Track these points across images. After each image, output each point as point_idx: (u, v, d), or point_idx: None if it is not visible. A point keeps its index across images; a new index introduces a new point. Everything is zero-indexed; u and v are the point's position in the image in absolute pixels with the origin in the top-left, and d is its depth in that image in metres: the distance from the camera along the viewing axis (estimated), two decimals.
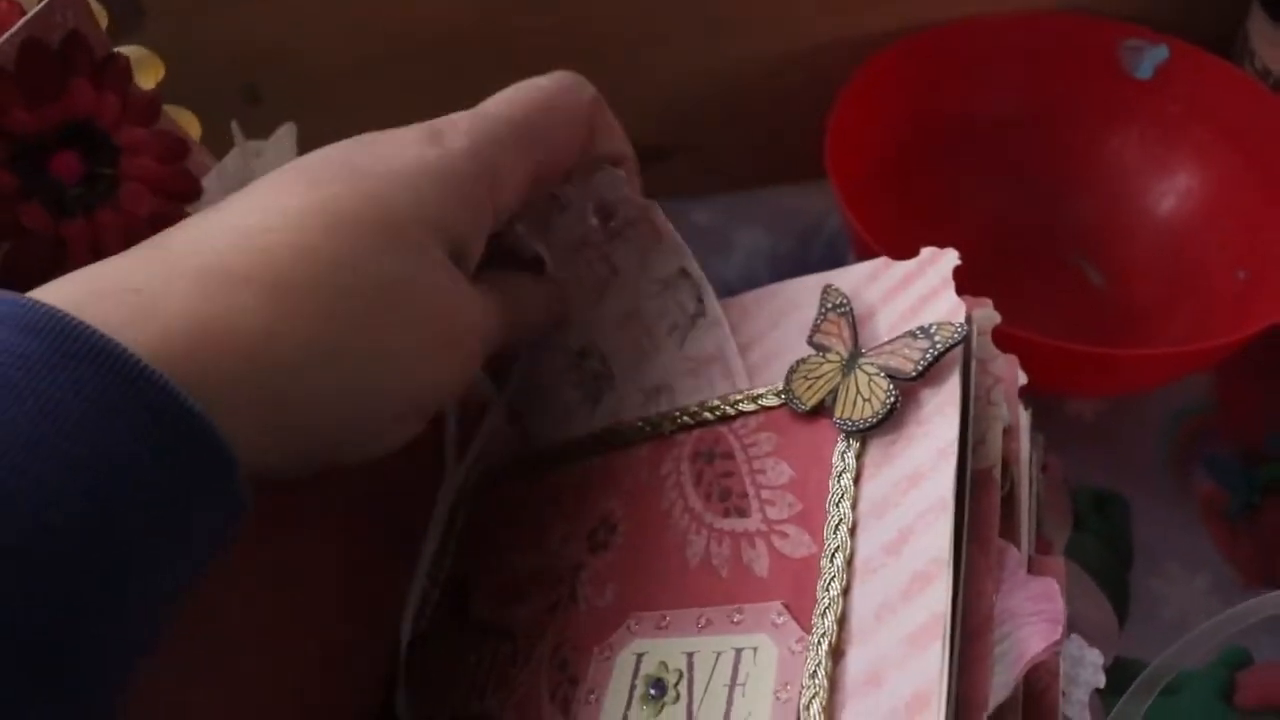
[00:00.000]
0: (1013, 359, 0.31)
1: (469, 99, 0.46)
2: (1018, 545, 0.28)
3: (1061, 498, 0.40)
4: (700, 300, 0.31)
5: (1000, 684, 0.24)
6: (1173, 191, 0.46)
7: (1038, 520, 0.34)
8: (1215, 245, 0.44)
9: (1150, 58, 0.46)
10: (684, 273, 0.32)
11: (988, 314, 0.29)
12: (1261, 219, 0.43)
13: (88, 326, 0.20)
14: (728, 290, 0.43)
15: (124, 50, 0.30)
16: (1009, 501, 0.29)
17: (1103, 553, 0.40)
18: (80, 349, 0.19)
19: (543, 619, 0.29)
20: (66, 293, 0.21)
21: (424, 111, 0.48)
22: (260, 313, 0.22)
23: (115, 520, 0.19)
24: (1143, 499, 0.42)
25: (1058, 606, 0.24)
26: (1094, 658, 0.31)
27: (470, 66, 0.46)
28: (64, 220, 0.28)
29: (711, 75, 0.48)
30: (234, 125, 0.33)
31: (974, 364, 0.28)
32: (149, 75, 0.33)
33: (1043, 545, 0.33)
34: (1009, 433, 0.30)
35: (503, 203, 0.28)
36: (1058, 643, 0.24)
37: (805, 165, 0.44)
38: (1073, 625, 0.32)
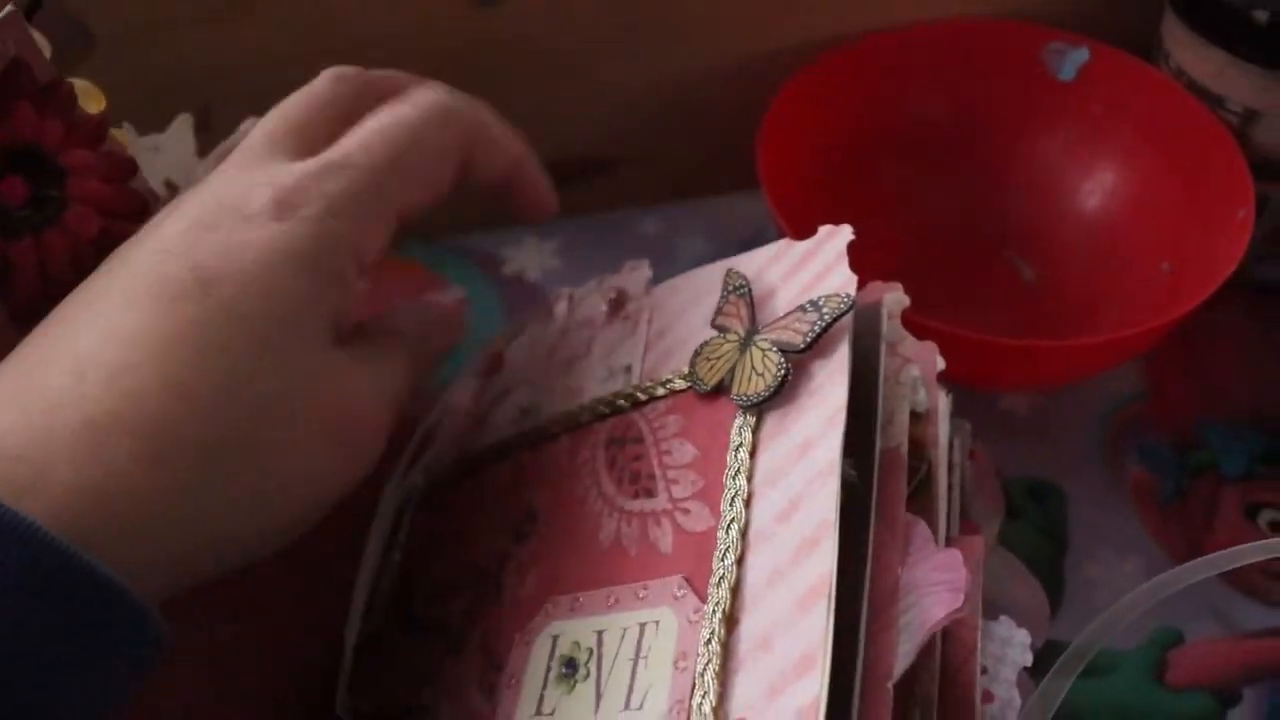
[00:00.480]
0: (931, 345, 0.32)
1: None
2: (933, 523, 0.29)
3: (991, 485, 0.41)
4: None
5: (904, 653, 0.25)
6: (1098, 189, 0.48)
7: (963, 505, 0.35)
8: (1141, 239, 0.46)
9: (1072, 60, 0.47)
10: (628, 369, 0.32)
11: (897, 298, 0.30)
12: (1183, 213, 0.44)
13: None
14: None
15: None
16: (926, 482, 0.31)
17: (1037, 540, 0.42)
18: None
19: (472, 610, 0.30)
20: None
21: None
22: (142, 463, 0.22)
23: (34, 684, 0.20)
24: (1077, 488, 0.43)
25: (960, 575, 0.25)
26: (1022, 637, 0.32)
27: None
28: (10, 242, 0.29)
29: (653, 87, 0.49)
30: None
31: (883, 345, 0.29)
32: (91, 106, 0.34)
33: (969, 528, 0.34)
34: (927, 417, 0.31)
35: (368, 256, 0.27)
36: (959, 609, 0.25)
37: (745, 174, 0.45)
38: (1004, 608, 0.33)
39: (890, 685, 0.24)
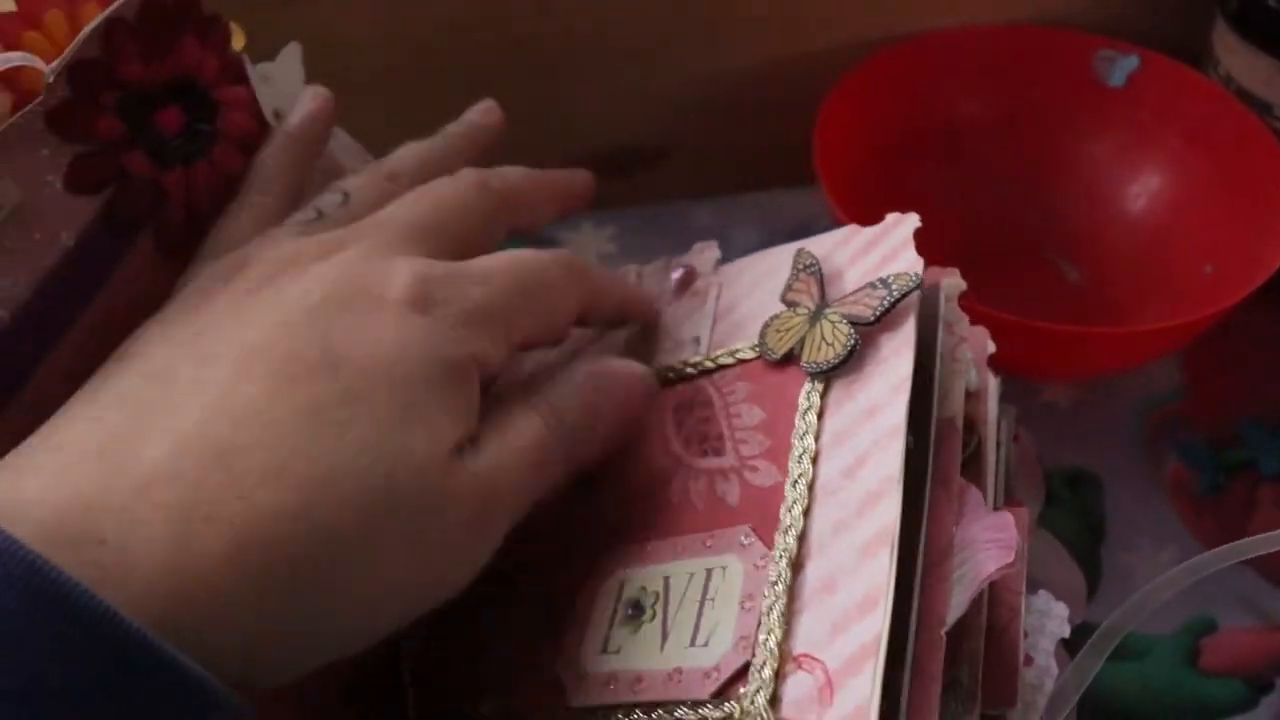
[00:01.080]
0: (983, 330, 0.34)
1: (476, 100, 0.49)
2: (983, 491, 0.31)
3: (1033, 469, 0.42)
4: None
5: (957, 604, 0.26)
6: (1144, 192, 0.49)
7: (1007, 483, 0.36)
8: (1184, 242, 0.47)
9: (1122, 67, 0.49)
10: (697, 340, 0.33)
11: (954, 282, 0.32)
12: (1227, 216, 0.46)
13: (67, 585, 0.18)
14: None
15: None
16: (976, 456, 0.32)
17: (1076, 527, 0.43)
18: (62, 612, 0.18)
19: (541, 563, 0.32)
20: (33, 524, 0.19)
21: (438, 116, 0.51)
22: (238, 558, 0.20)
23: None
24: (1115, 479, 0.44)
25: (1011, 535, 0.27)
26: (1060, 610, 0.34)
27: (479, 73, 0.49)
28: (164, 171, 0.29)
29: (709, 81, 0.51)
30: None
31: (940, 325, 0.30)
32: (235, 41, 0.35)
33: (1014, 504, 0.35)
34: (977, 395, 0.33)
35: (488, 371, 0.26)
36: (1011, 564, 0.26)
37: (795, 169, 0.46)
38: (1043, 585, 0.35)
39: (944, 632, 0.25)
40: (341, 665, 0.24)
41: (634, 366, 0.30)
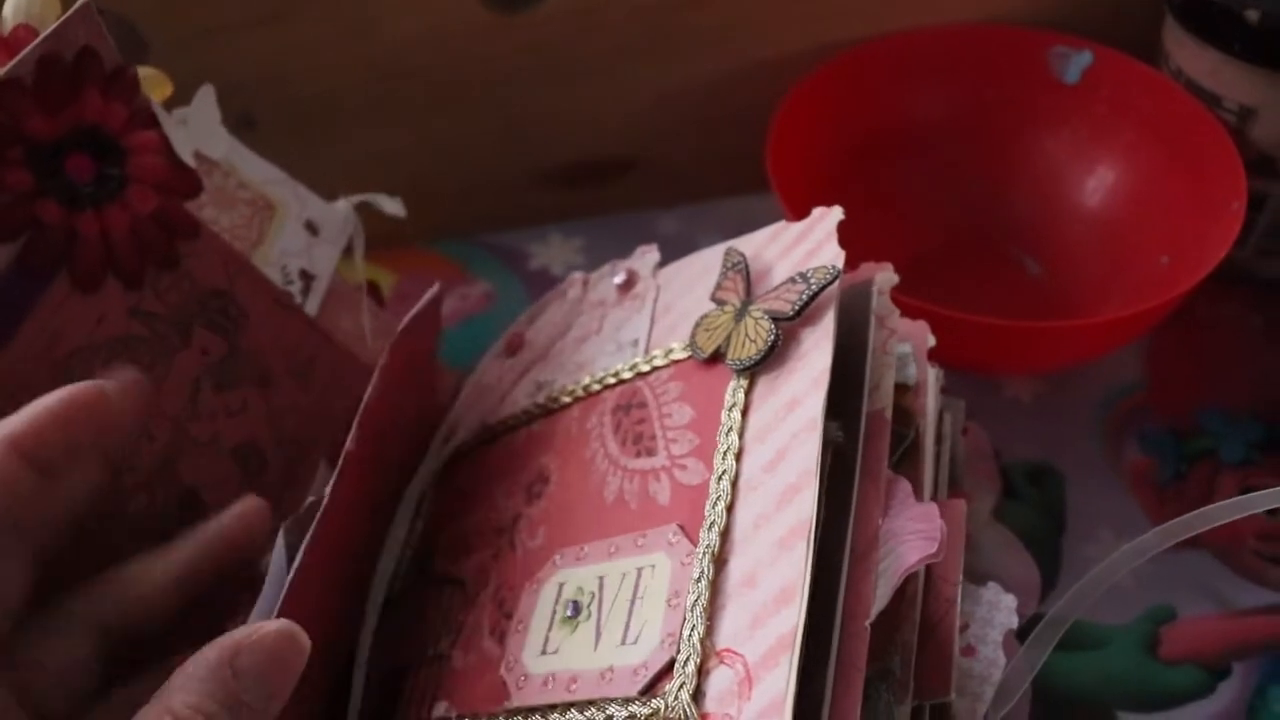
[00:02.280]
0: (923, 324, 0.34)
1: (452, 119, 0.50)
2: (918, 484, 0.31)
3: (987, 462, 0.43)
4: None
5: (881, 595, 0.27)
6: (1101, 186, 0.49)
7: (954, 476, 0.37)
8: (1141, 233, 0.47)
9: (1076, 63, 0.49)
10: (635, 343, 0.34)
11: (886, 276, 0.32)
12: (1182, 207, 0.46)
13: None
14: None
15: (140, 70, 0.34)
16: (914, 448, 0.33)
17: (1036, 520, 0.43)
18: None
19: (487, 566, 0.33)
20: None
21: (409, 130, 0.52)
22: None
23: None
24: (1077, 472, 0.45)
25: (935, 526, 0.27)
26: (1009, 602, 0.34)
27: (453, 89, 0.50)
28: (76, 215, 0.31)
29: (672, 92, 0.52)
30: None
31: (872, 318, 0.31)
32: (159, 92, 0.37)
33: (958, 496, 0.36)
34: (916, 388, 0.33)
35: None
36: (934, 555, 0.27)
37: (762, 175, 0.47)
38: (995, 577, 0.35)
39: (868, 624, 0.26)
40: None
41: (276, 627, 0.24)
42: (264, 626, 0.24)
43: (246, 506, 0.30)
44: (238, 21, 0.46)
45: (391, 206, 0.42)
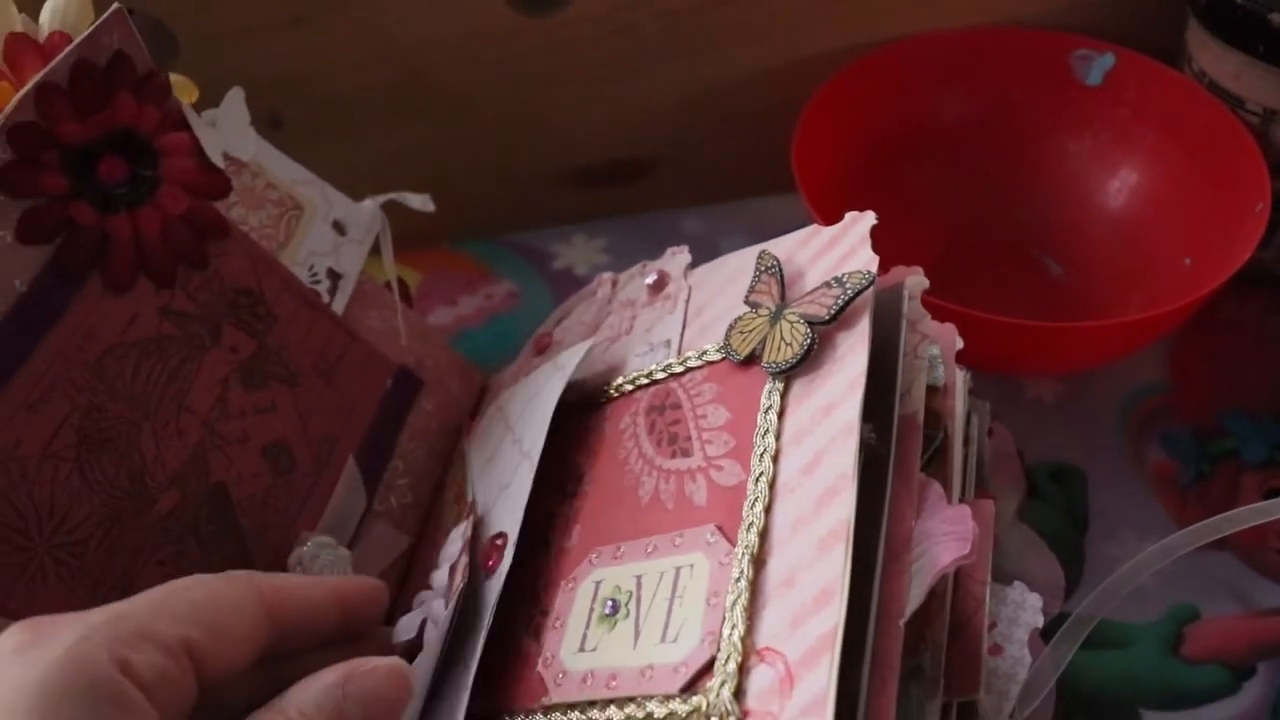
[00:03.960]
0: (951, 327, 0.34)
1: (477, 119, 0.51)
2: (947, 485, 0.31)
3: (1011, 463, 0.43)
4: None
5: (915, 595, 0.27)
6: (1124, 188, 0.50)
7: (981, 477, 0.37)
8: (1164, 235, 0.47)
9: (1099, 66, 0.49)
10: (668, 344, 0.35)
11: (917, 280, 0.33)
12: (1205, 209, 0.46)
13: None
14: None
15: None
16: (942, 450, 0.33)
17: (1059, 519, 0.43)
18: None
19: (524, 563, 0.33)
20: None
21: (434, 130, 0.52)
22: None
23: None
24: (1099, 472, 0.45)
25: (968, 527, 0.27)
26: (1034, 601, 0.34)
27: (478, 89, 0.50)
28: (109, 216, 0.32)
29: (694, 93, 0.52)
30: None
31: (903, 322, 0.31)
32: (185, 96, 0.37)
33: (985, 497, 0.36)
34: (944, 391, 0.34)
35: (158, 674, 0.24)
36: (967, 556, 0.27)
37: (784, 176, 0.47)
38: (1020, 577, 0.35)
39: (902, 623, 0.26)
40: None
41: (388, 664, 0.26)
42: (380, 661, 0.26)
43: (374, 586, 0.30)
44: (266, 23, 0.47)
45: (420, 203, 0.42)
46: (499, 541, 0.32)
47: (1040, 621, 0.33)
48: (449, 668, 0.31)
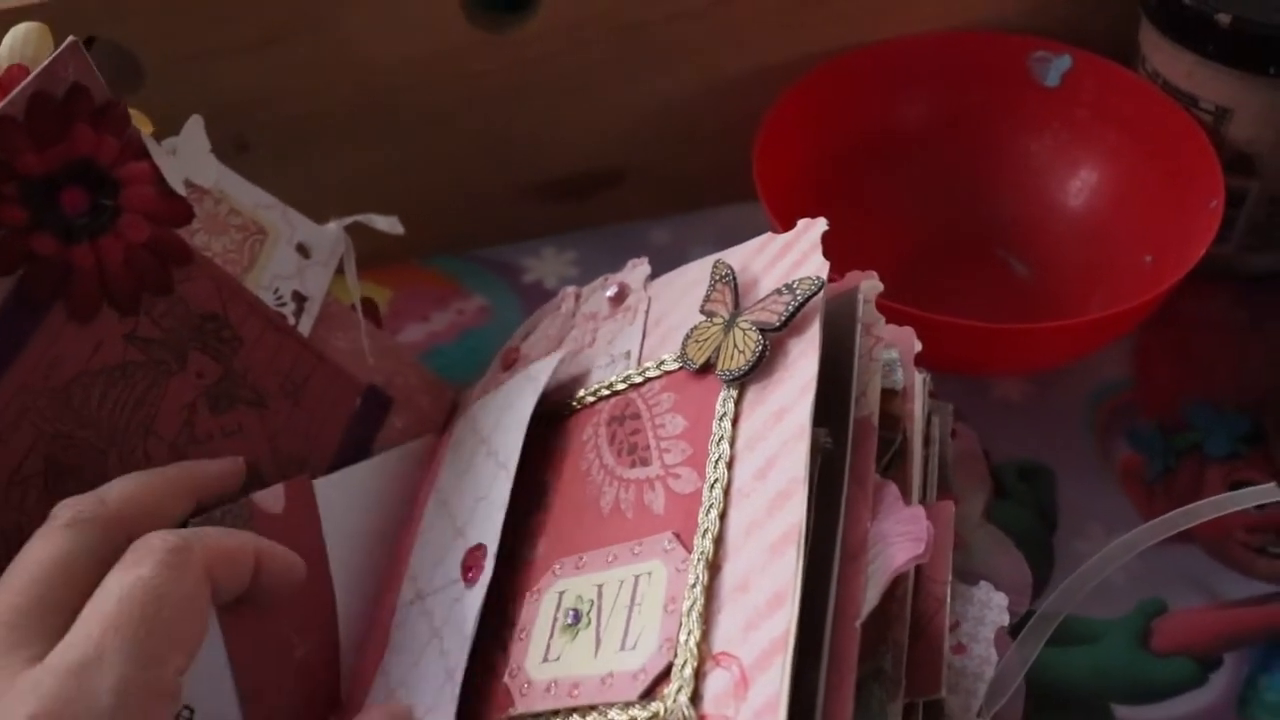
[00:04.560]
0: (909, 330, 0.35)
1: (442, 136, 0.51)
2: (906, 488, 0.32)
3: (977, 463, 0.43)
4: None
5: (871, 596, 0.27)
6: (1084, 187, 0.50)
7: (944, 478, 0.37)
8: (1124, 233, 0.48)
9: (1056, 67, 0.50)
10: (628, 355, 0.35)
11: (872, 284, 0.33)
12: (1162, 207, 0.47)
13: None
14: None
15: None
16: (902, 452, 0.33)
17: (1027, 519, 0.44)
18: None
19: (492, 579, 0.33)
20: None
21: (400, 148, 0.52)
22: None
23: None
24: (1067, 469, 0.45)
25: (922, 527, 0.28)
26: (1000, 600, 0.35)
27: (442, 106, 0.51)
28: (71, 247, 0.32)
29: (658, 105, 0.52)
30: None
31: (858, 326, 0.32)
32: (143, 128, 0.37)
33: (947, 499, 0.36)
34: (904, 394, 0.34)
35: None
36: (920, 555, 0.27)
37: (751, 184, 0.48)
38: (986, 576, 0.36)
39: (858, 624, 0.26)
40: None
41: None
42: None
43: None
44: (231, 46, 0.47)
45: (387, 225, 0.43)
46: (477, 553, 0.33)
47: (1006, 620, 0.34)
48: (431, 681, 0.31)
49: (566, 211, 0.56)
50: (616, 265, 0.44)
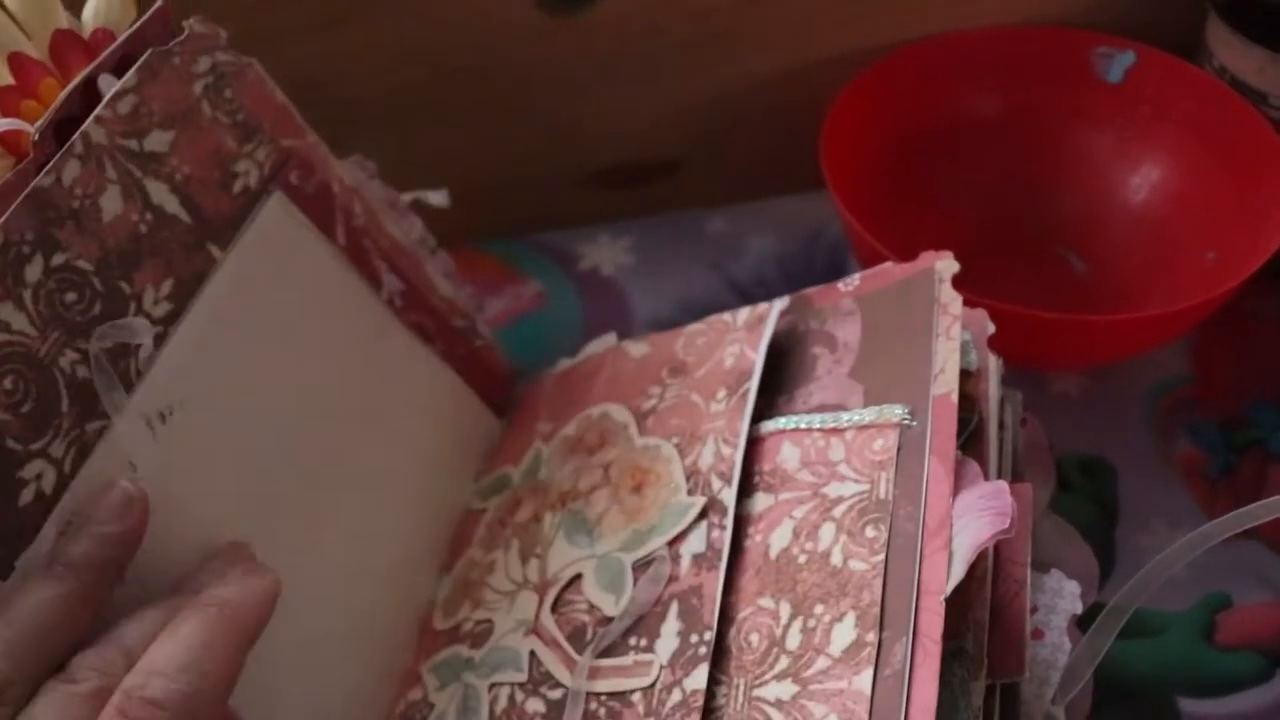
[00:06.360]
0: (982, 312, 0.35)
1: (503, 120, 0.51)
2: (984, 467, 0.32)
3: (1043, 454, 0.43)
4: None
5: (955, 571, 0.27)
6: (1145, 184, 0.50)
7: (1015, 466, 0.37)
8: (1186, 231, 0.48)
9: (1119, 63, 0.50)
10: None
11: (948, 264, 0.33)
12: (1226, 204, 0.46)
13: None
14: (739, 289, 0.46)
15: None
16: (978, 432, 0.33)
17: (1090, 511, 0.44)
18: None
19: None
20: None
21: (461, 131, 0.52)
22: None
23: None
24: (1128, 464, 0.45)
25: (1006, 502, 0.28)
26: (1072, 588, 0.34)
27: (504, 90, 0.51)
28: None
29: (719, 93, 0.52)
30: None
31: (935, 306, 0.32)
32: None
33: (1018, 484, 0.36)
34: (978, 374, 0.34)
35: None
36: (1006, 530, 0.27)
37: (807, 175, 0.48)
38: (1055, 566, 0.36)
39: (942, 599, 0.26)
40: None
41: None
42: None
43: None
44: (296, 25, 0.47)
45: (437, 199, 0.43)
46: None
47: (1079, 609, 0.33)
48: None
49: (625, 198, 0.56)
50: (673, 252, 0.44)
